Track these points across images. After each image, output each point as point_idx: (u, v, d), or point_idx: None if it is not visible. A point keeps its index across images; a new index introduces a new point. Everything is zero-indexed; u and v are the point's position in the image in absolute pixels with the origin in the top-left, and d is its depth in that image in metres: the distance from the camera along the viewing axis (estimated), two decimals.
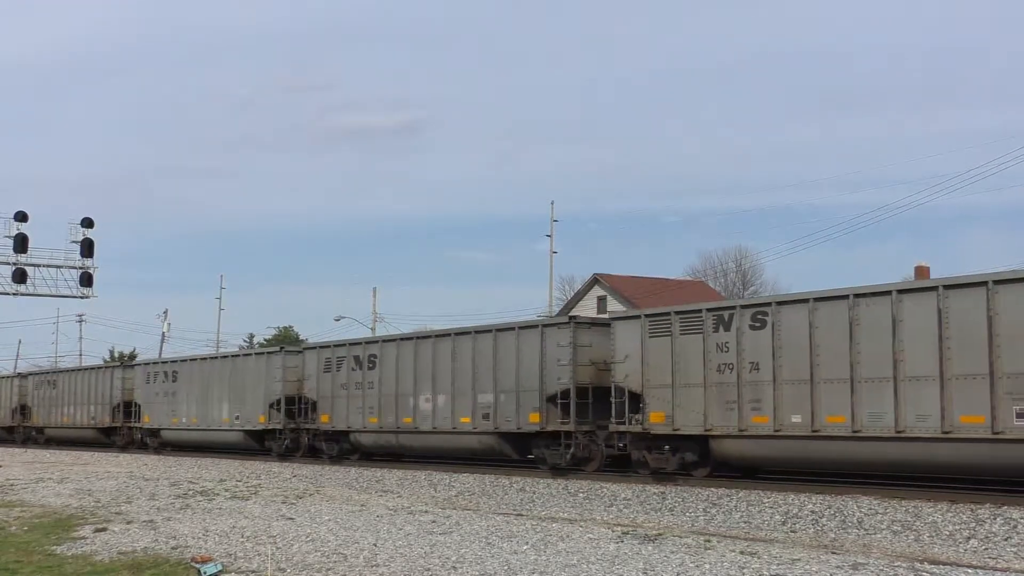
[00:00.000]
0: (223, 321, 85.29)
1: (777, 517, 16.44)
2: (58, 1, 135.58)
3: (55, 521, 17.09)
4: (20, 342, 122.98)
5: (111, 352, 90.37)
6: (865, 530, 14.94)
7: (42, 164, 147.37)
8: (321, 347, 32.72)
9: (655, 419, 21.43)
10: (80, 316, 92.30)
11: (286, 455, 32.80)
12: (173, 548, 13.51)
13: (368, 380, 29.48)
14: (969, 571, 10.98)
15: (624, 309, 42.99)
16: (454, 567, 11.45)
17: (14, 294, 39.66)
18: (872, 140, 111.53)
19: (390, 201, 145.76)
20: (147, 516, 17.37)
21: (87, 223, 40.59)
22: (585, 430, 23.34)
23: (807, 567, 11.03)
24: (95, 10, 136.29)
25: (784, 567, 11.04)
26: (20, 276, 39.21)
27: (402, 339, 29.44)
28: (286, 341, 66.29)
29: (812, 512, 16.51)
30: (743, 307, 20.62)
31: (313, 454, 31.98)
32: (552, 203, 56.58)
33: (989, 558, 12.43)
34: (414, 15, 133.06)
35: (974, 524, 14.53)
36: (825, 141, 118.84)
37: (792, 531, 15.26)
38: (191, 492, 21.92)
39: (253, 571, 11.65)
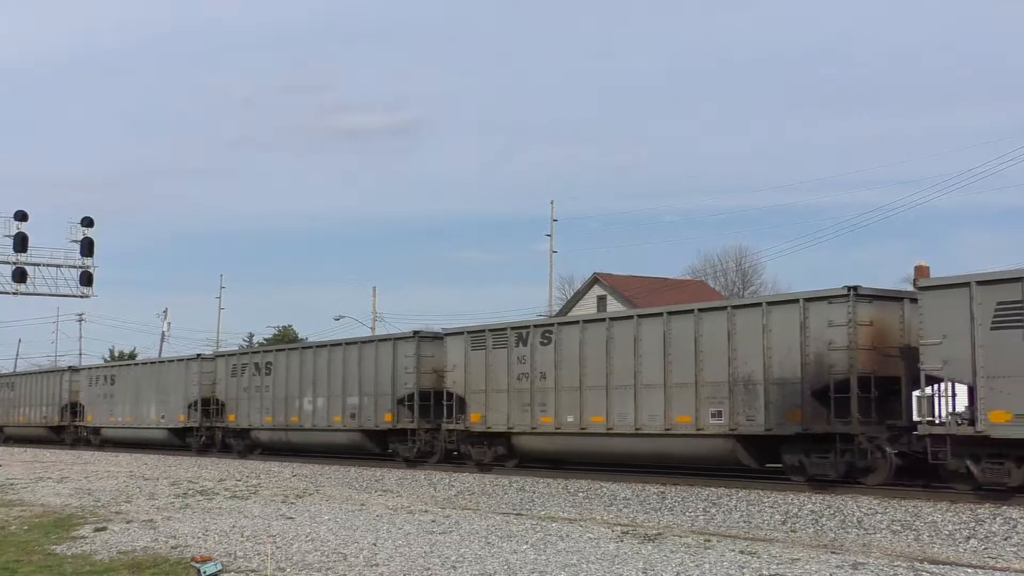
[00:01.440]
0: (223, 320, 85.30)
1: (777, 517, 16.45)
2: (58, 1, 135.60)
3: (55, 520, 17.09)
4: (20, 341, 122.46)
5: (111, 351, 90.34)
6: (865, 530, 14.94)
7: (42, 164, 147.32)
8: (229, 355, 37.40)
9: (474, 419, 25.64)
10: (80, 315, 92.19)
11: (203, 450, 36.70)
12: (173, 547, 13.52)
13: (265, 384, 33.66)
14: (969, 571, 10.99)
15: (623, 308, 42.97)
16: (454, 566, 11.45)
17: (14, 293, 39.55)
18: (872, 140, 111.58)
19: (390, 201, 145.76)
20: (147, 515, 17.38)
21: (87, 222, 40.45)
22: (427, 428, 27.49)
23: (807, 567, 11.03)
24: (95, 10, 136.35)
25: (784, 567, 11.04)
26: (20, 275, 39.10)
27: (290, 349, 34.46)
28: (285, 340, 66.36)
29: (812, 512, 16.52)
30: (535, 327, 24.91)
31: (226, 449, 35.87)
32: (552, 203, 56.65)
33: (989, 558, 12.43)
34: (413, 15, 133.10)
35: (974, 524, 14.53)
36: (825, 141, 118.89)
37: (792, 531, 15.26)
38: (191, 492, 21.93)
39: (253, 570, 11.66)
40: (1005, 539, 13.57)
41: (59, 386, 46.95)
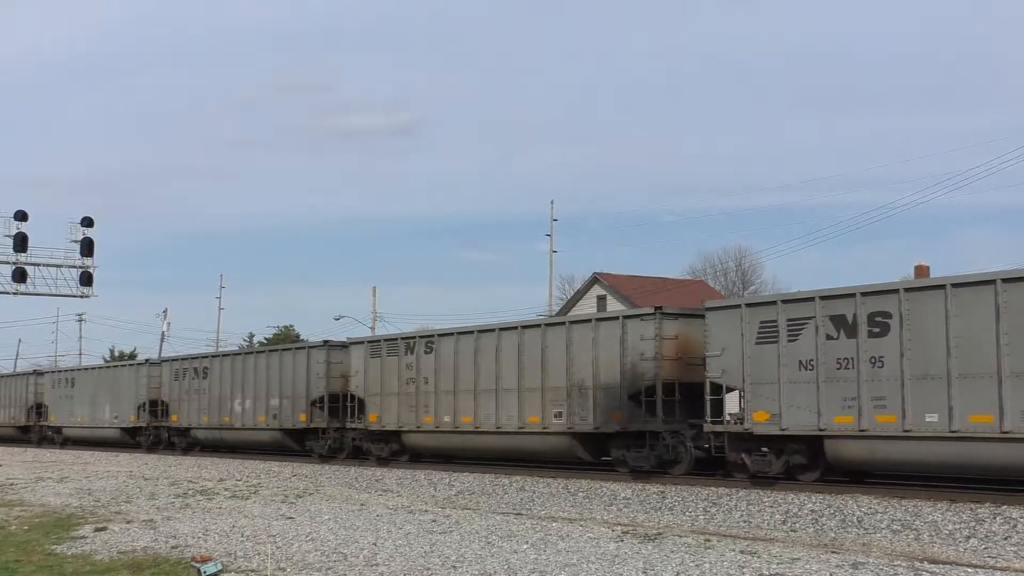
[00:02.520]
0: (223, 320, 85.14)
1: (777, 516, 16.45)
2: (58, 2, 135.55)
3: (55, 520, 17.10)
4: (20, 341, 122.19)
5: (111, 351, 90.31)
6: (865, 529, 14.95)
7: (42, 164, 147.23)
8: (172, 360, 41.29)
9: (372, 419, 28.90)
10: (80, 315, 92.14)
11: (151, 448, 40.04)
12: (173, 547, 13.52)
13: (203, 387, 36.96)
14: (969, 570, 10.99)
15: (623, 308, 42.91)
16: (454, 566, 11.45)
17: (14, 293, 39.45)
18: (872, 140, 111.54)
19: (390, 201, 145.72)
20: (147, 515, 17.39)
21: (87, 222, 40.29)
22: (336, 427, 30.68)
23: (807, 566, 11.03)
24: (95, 10, 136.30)
25: (784, 566, 11.04)
26: (20, 275, 38.98)
27: (223, 355, 38.19)
28: (286, 340, 66.38)
29: (812, 511, 16.51)
30: (420, 337, 28.08)
31: (171, 447, 39.09)
32: (552, 203, 56.72)
33: (989, 557, 12.44)
34: (412, 16, 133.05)
35: (974, 523, 14.53)
36: (825, 141, 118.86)
37: (792, 530, 15.27)
38: (191, 491, 21.94)
39: (253, 570, 11.66)
40: (1005, 539, 13.58)
41: (25, 388, 49.57)
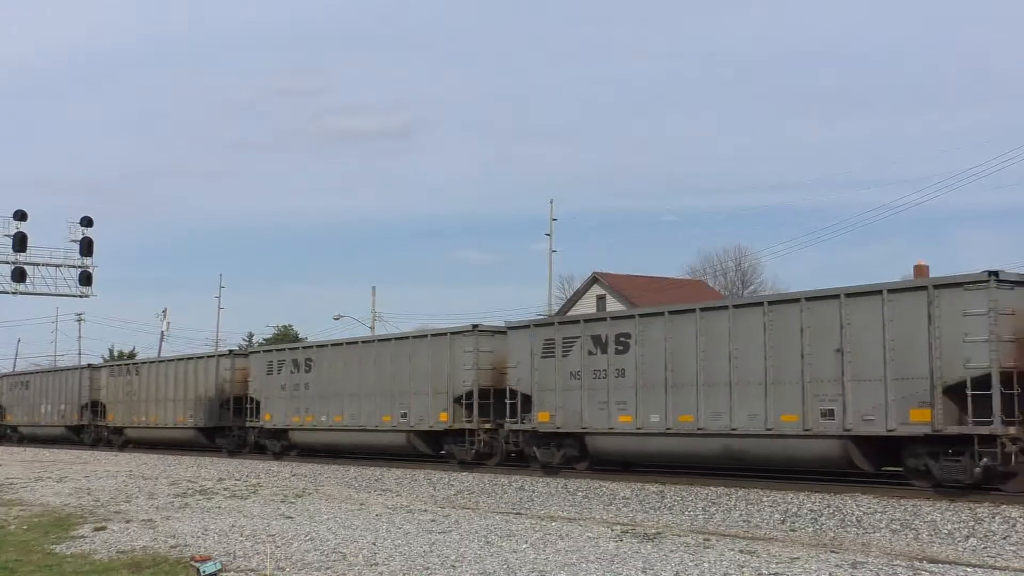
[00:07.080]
0: (223, 320, 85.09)
1: (776, 516, 16.45)
2: (59, 2, 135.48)
3: (54, 520, 17.08)
4: (19, 341, 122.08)
5: (111, 351, 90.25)
6: (864, 529, 14.94)
7: (42, 164, 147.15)
8: (9, 376, 59.47)
9: (110, 419, 44.45)
10: (79, 315, 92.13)
11: None
12: (172, 547, 13.51)
13: (25, 396, 52.92)
14: (968, 570, 10.99)
15: (623, 308, 42.92)
16: (453, 566, 11.45)
17: (13, 293, 39.45)
18: (872, 140, 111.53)
19: (390, 201, 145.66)
20: (146, 515, 17.37)
21: (86, 222, 40.22)
22: (94, 424, 45.52)
23: (806, 566, 11.03)
24: (95, 11, 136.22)
25: (783, 566, 11.04)
26: (19, 275, 38.93)
27: (36, 372, 56.50)
28: (285, 340, 66.44)
29: (811, 511, 16.51)
30: (133, 364, 45.22)
31: (8, 439, 53.49)
32: (552, 202, 56.80)
33: (988, 557, 12.44)
34: (411, 17, 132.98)
35: (973, 523, 14.53)
36: (825, 141, 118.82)
37: (791, 530, 15.27)
38: (190, 491, 21.92)
39: (252, 570, 11.65)
40: (1004, 538, 13.58)
41: None
